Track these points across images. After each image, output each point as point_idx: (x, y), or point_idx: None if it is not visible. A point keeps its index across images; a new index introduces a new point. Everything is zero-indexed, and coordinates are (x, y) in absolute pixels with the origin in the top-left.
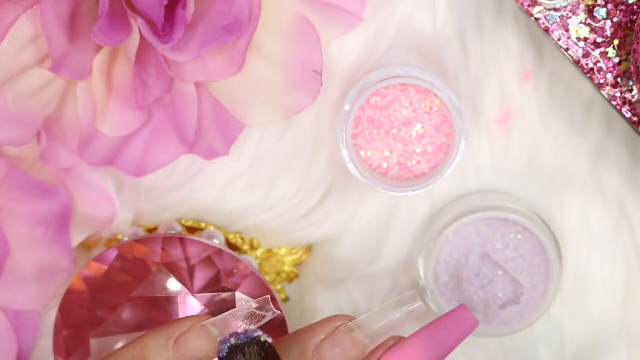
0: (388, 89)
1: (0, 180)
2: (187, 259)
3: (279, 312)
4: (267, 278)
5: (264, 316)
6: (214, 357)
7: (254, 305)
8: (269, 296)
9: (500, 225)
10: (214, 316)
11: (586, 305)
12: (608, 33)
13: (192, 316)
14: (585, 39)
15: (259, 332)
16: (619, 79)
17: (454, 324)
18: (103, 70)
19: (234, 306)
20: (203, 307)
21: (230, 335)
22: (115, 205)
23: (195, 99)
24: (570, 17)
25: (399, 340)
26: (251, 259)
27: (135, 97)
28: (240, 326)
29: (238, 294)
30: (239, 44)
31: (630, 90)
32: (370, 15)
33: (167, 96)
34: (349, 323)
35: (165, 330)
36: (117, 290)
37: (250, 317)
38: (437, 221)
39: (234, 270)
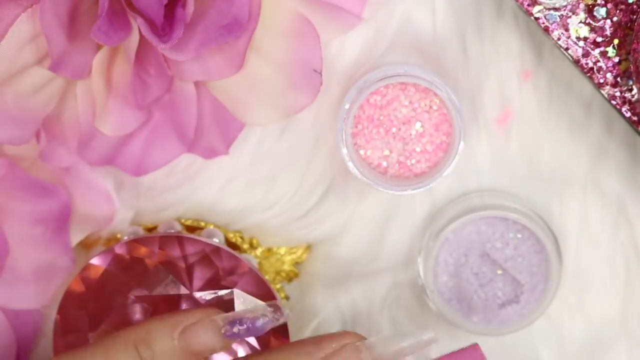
0: (388, 88)
1: None
2: (185, 257)
3: (291, 317)
4: (267, 277)
5: (277, 320)
6: (220, 352)
7: (268, 308)
8: (277, 301)
9: (500, 225)
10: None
11: (586, 304)
12: (608, 32)
13: (201, 309)
14: (585, 39)
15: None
16: (618, 79)
17: None
18: (103, 70)
19: (233, 305)
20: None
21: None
22: (114, 205)
23: (195, 99)
24: (570, 17)
25: None
26: (251, 258)
27: (134, 97)
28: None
29: (236, 291)
30: (238, 43)
31: (630, 90)
32: (370, 14)
33: (167, 96)
34: (358, 343)
35: (172, 318)
36: (115, 291)
37: (262, 317)
38: (437, 220)
39: (233, 268)
